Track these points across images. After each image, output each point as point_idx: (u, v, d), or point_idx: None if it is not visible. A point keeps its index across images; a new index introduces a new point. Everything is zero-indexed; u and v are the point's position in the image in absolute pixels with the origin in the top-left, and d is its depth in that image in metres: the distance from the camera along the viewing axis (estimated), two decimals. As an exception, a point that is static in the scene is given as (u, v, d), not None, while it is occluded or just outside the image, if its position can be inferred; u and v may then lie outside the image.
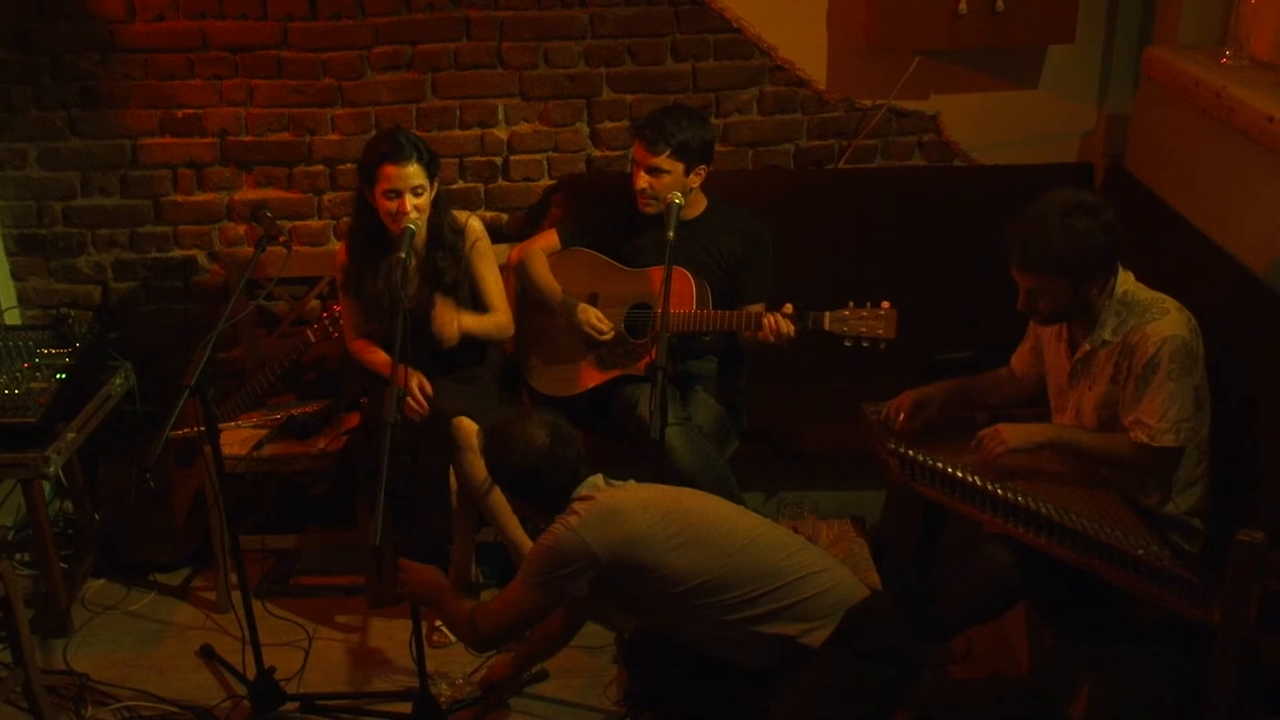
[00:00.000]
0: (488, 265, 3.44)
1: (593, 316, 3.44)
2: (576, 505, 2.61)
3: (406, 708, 3.09)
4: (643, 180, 3.32)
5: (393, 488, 2.65)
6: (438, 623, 3.38)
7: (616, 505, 2.60)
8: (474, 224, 3.45)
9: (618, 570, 2.54)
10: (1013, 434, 2.79)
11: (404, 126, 3.52)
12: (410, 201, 3.19)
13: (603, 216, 3.58)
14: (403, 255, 3.00)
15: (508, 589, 2.69)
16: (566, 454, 2.66)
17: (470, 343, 3.43)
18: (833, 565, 2.63)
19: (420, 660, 2.93)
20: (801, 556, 2.60)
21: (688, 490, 2.80)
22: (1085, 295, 2.70)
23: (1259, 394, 2.75)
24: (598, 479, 2.69)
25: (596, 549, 2.53)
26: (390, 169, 3.18)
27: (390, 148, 3.19)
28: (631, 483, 2.71)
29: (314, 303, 3.89)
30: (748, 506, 3.30)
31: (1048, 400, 3.00)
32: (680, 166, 3.31)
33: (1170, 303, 2.72)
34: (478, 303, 3.44)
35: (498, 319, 3.43)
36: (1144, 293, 2.74)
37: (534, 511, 2.74)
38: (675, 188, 3.31)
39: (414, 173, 3.19)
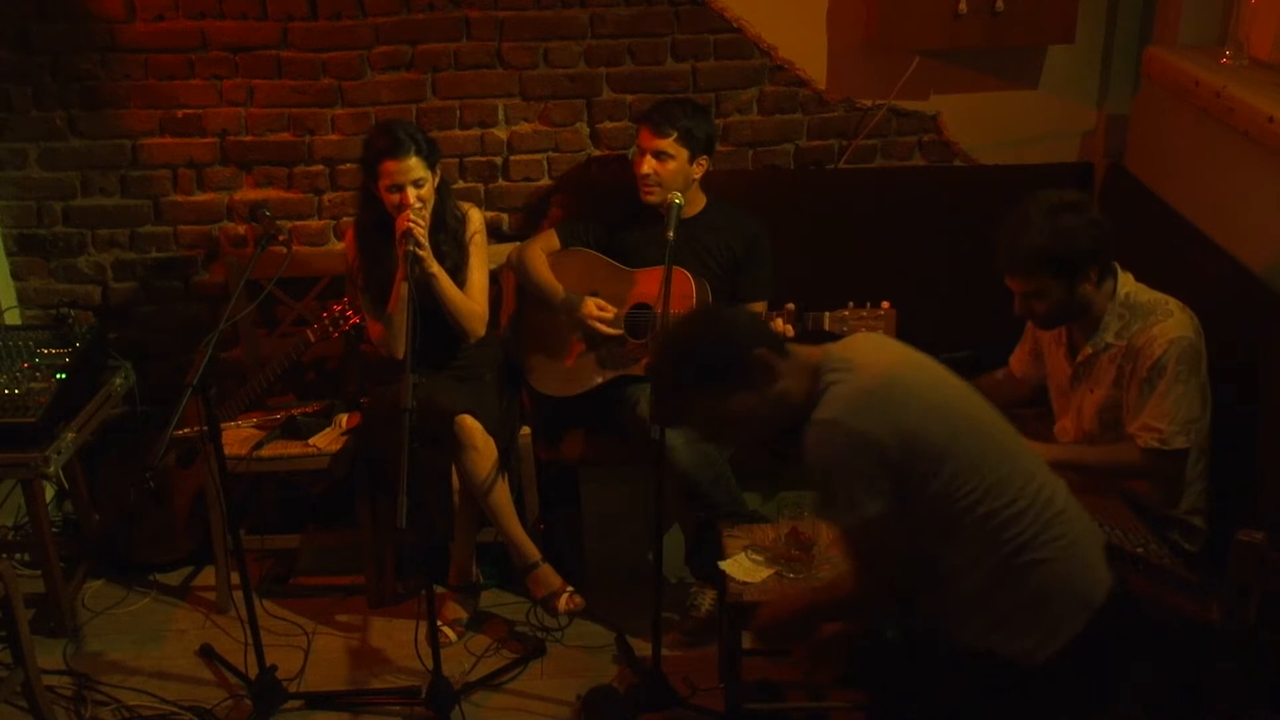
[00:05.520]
0: (478, 258, 3.45)
1: (592, 307, 3.44)
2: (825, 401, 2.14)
3: (409, 706, 3.11)
4: (648, 165, 3.33)
5: (412, 476, 2.67)
6: (440, 623, 3.38)
7: (874, 385, 2.16)
8: (474, 214, 3.48)
9: (907, 456, 2.11)
10: None
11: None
12: (413, 194, 3.21)
13: (602, 217, 3.58)
14: (411, 249, 3.07)
15: (841, 545, 2.26)
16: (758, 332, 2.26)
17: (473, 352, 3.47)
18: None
19: (434, 645, 2.96)
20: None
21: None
22: (1080, 294, 2.69)
23: (1259, 394, 2.75)
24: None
25: (873, 429, 2.10)
26: (390, 164, 3.20)
27: (388, 143, 3.20)
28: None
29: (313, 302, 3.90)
30: (747, 506, 3.33)
31: (1048, 401, 2.99)
32: (685, 153, 3.34)
33: (1173, 303, 2.71)
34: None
35: (470, 305, 3.40)
36: (1146, 294, 2.74)
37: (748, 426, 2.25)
38: (679, 176, 3.33)
39: (414, 165, 3.21)
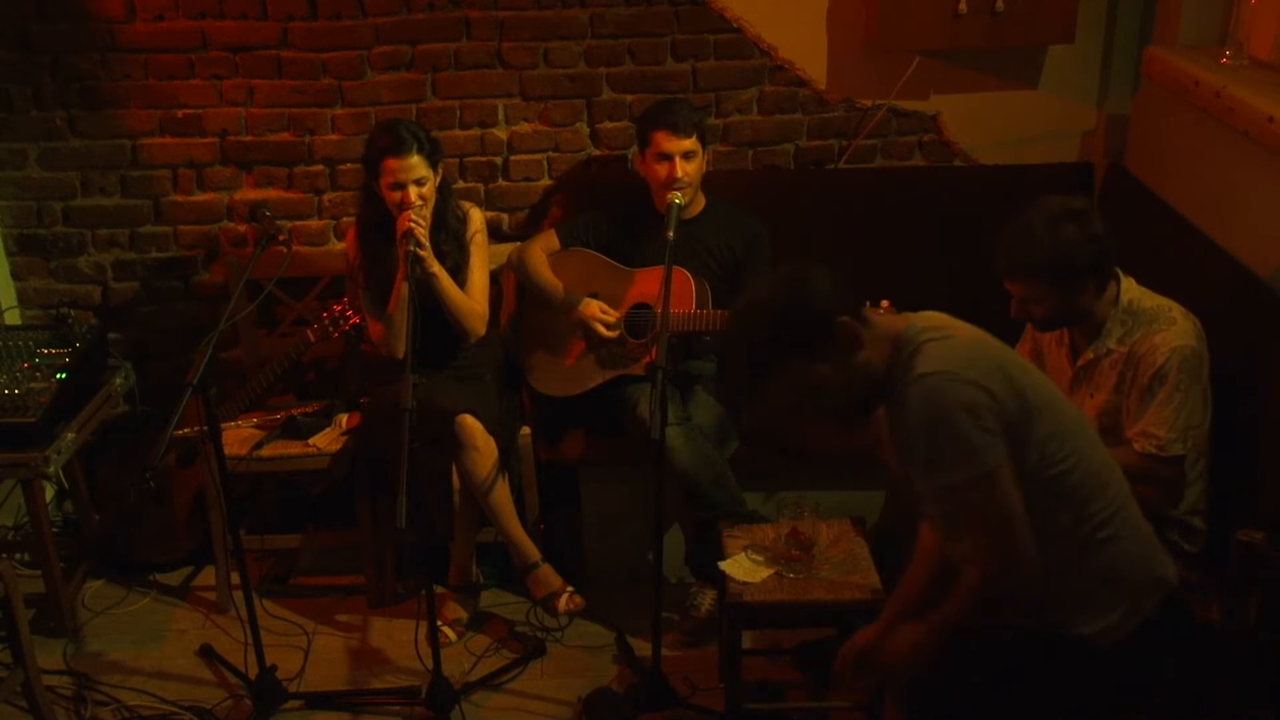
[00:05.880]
0: (479, 258, 3.46)
1: (595, 309, 3.44)
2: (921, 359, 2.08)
3: (409, 706, 3.10)
4: (679, 168, 3.33)
5: (412, 476, 2.67)
6: (440, 623, 3.38)
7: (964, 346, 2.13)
8: (475, 214, 3.49)
9: (1014, 408, 2.07)
10: None
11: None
12: (414, 192, 3.22)
13: (602, 217, 3.59)
14: (412, 248, 3.08)
15: (951, 518, 2.12)
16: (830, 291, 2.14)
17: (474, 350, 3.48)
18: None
19: (434, 645, 2.97)
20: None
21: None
22: (1079, 302, 2.68)
23: (1259, 394, 2.75)
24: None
25: (983, 380, 2.04)
26: (392, 162, 3.21)
27: (391, 141, 3.22)
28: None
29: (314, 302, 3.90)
30: (748, 506, 3.33)
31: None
32: (700, 148, 3.37)
33: (1176, 310, 2.70)
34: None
35: (471, 304, 3.42)
36: (1149, 300, 2.73)
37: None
38: (700, 173, 3.38)
39: (416, 164, 3.22)
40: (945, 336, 2.12)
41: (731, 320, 2.22)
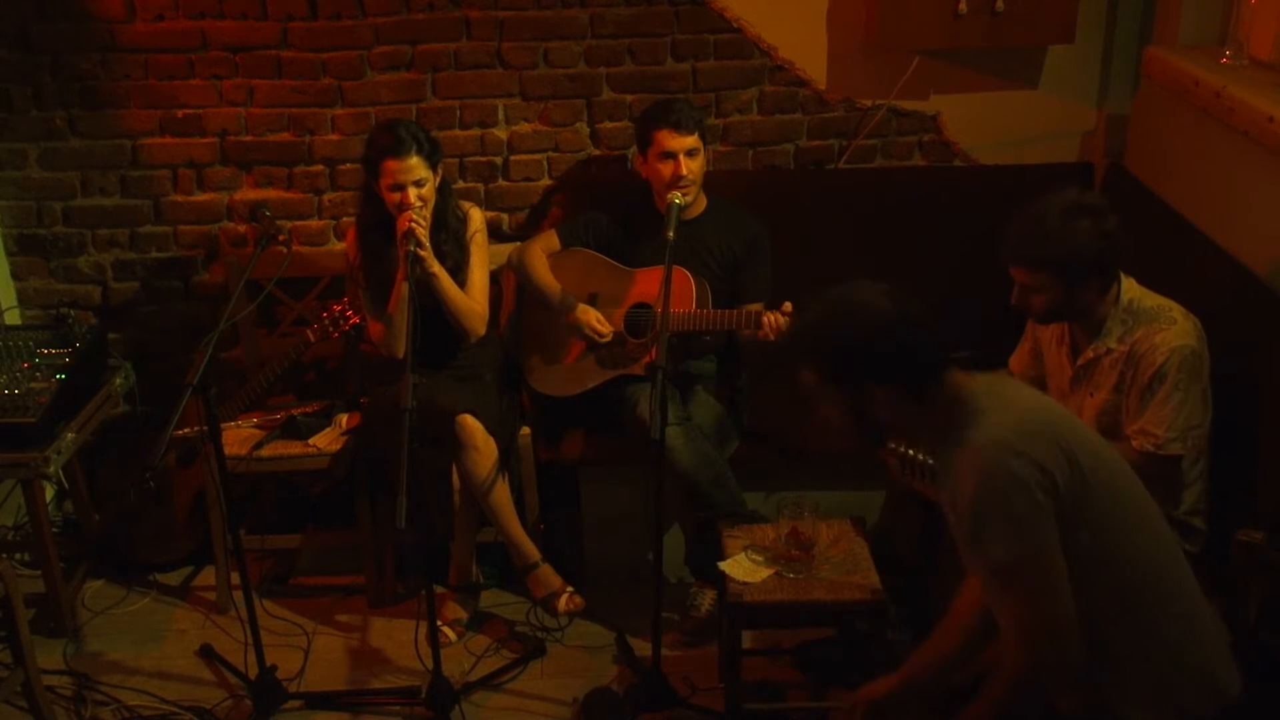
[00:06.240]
0: (479, 258, 3.46)
1: (593, 319, 3.44)
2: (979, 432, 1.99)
3: (409, 706, 3.10)
4: (684, 166, 3.33)
5: (412, 476, 2.67)
6: (440, 623, 3.38)
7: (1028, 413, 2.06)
8: (475, 214, 3.49)
9: (1068, 482, 1.99)
10: None
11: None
12: (414, 193, 3.22)
13: (602, 217, 3.58)
14: (412, 248, 3.08)
15: (995, 596, 2.02)
16: (918, 321, 2.10)
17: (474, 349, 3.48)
18: None
19: (434, 645, 2.97)
20: None
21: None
22: (1080, 298, 2.68)
23: (1259, 394, 2.75)
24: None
25: (1038, 456, 1.95)
26: (392, 163, 3.21)
27: (391, 142, 3.22)
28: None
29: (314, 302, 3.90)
30: (748, 506, 3.33)
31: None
32: (702, 145, 3.37)
33: (1177, 310, 2.70)
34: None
35: (471, 304, 3.42)
36: (1150, 299, 2.72)
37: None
38: (702, 171, 3.38)
39: (415, 165, 3.23)
40: (1005, 405, 2.04)
41: (825, 301, 2.19)
